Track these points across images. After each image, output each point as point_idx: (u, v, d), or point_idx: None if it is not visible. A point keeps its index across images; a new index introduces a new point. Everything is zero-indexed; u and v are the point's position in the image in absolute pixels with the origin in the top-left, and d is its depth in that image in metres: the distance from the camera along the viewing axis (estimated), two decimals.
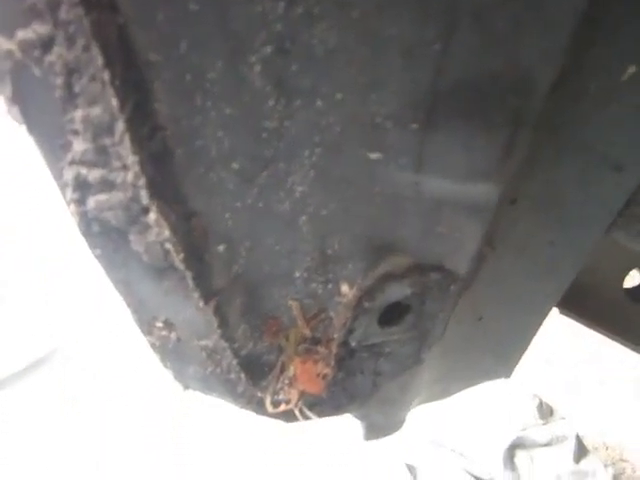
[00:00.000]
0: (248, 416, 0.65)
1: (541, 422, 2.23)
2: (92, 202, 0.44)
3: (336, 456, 2.43)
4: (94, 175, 0.42)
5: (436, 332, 0.63)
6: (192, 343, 0.56)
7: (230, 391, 0.60)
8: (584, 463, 2.09)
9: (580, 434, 2.18)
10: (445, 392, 0.82)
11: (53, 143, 0.41)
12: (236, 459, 2.64)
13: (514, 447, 2.19)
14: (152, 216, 0.43)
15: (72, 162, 0.42)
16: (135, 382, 2.99)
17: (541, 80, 0.43)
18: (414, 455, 2.22)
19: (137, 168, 0.40)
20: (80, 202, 0.44)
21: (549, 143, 0.53)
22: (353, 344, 0.60)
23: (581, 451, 2.11)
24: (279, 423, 0.66)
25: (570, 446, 2.12)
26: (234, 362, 0.57)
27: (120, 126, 0.39)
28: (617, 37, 0.46)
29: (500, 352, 0.79)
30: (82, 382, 3.03)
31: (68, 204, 0.45)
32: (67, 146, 0.41)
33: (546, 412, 2.27)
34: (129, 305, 0.54)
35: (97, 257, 0.49)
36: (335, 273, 0.55)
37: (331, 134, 0.44)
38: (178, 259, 0.46)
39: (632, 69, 0.48)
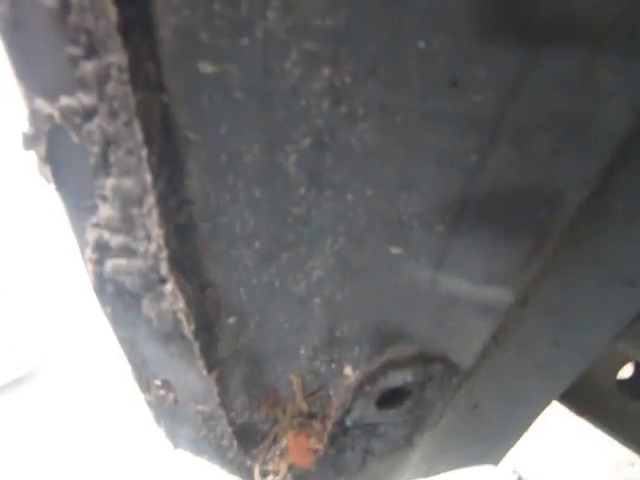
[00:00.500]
0: None
1: None
2: (110, 265, 0.43)
3: None
4: (116, 241, 0.42)
5: (432, 419, 0.63)
6: (189, 406, 0.55)
7: (220, 456, 0.59)
8: None
9: None
10: (430, 471, 0.80)
11: (80, 204, 0.41)
12: None
13: None
14: (169, 287, 0.43)
15: (96, 225, 0.41)
16: (126, 394, 2.91)
17: (571, 199, 0.43)
18: None
19: (161, 241, 0.40)
20: (98, 263, 0.44)
21: (568, 253, 0.52)
22: (348, 423, 0.59)
23: None
24: None
25: None
26: (229, 430, 0.56)
27: (150, 200, 0.38)
28: None
29: (491, 441, 0.78)
30: (70, 397, 2.95)
31: (86, 263, 0.45)
32: (93, 209, 0.41)
33: None
34: (131, 363, 0.54)
35: (106, 315, 0.49)
36: (340, 354, 0.54)
37: (356, 226, 0.44)
38: (188, 329, 0.45)
39: None
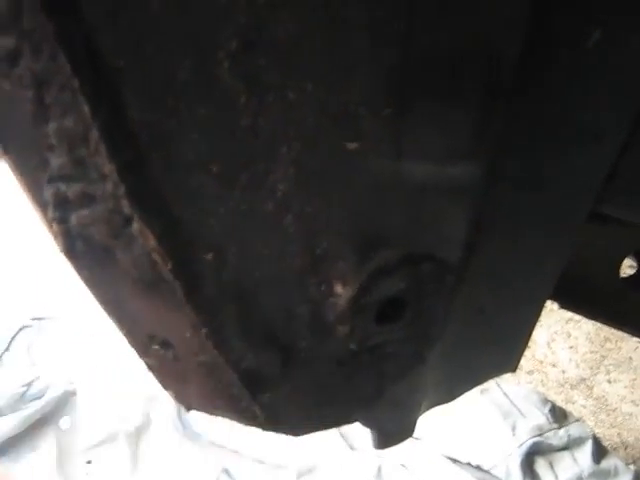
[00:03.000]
0: None
1: (556, 426, 2.21)
2: (74, 219, 0.44)
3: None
4: (74, 190, 0.42)
5: (436, 327, 0.63)
6: (190, 360, 0.55)
7: (233, 407, 0.60)
8: (605, 463, 2.07)
9: (597, 435, 2.16)
10: (452, 393, 0.81)
11: (30, 162, 0.42)
12: None
13: (532, 454, 2.16)
14: (136, 226, 0.43)
15: (51, 179, 0.42)
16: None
17: (507, 51, 0.44)
18: (429, 473, 2.19)
19: (115, 177, 0.41)
20: (62, 220, 0.44)
21: (525, 118, 0.53)
22: (353, 346, 0.60)
23: (600, 451, 2.09)
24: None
25: (588, 447, 2.10)
26: (234, 376, 0.56)
27: (94, 134, 0.39)
28: (576, 1, 0.48)
29: (505, 346, 0.79)
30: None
31: (50, 224, 0.45)
32: (44, 163, 0.41)
33: (560, 415, 2.25)
34: (122, 326, 0.54)
35: (85, 280, 0.49)
36: (327, 273, 0.55)
37: (306, 127, 0.45)
38: (166, 269, 0.46)
39: (597, 34, 0.49)
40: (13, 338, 3.17)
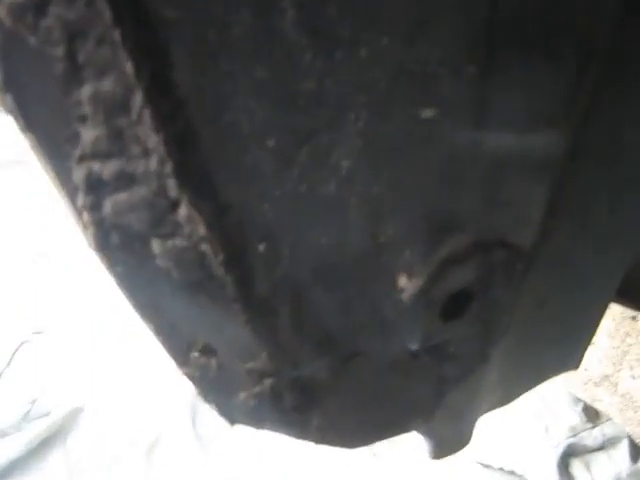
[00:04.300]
0: None
1: (590, 426, 2.14)
2: (109, 205, 0.37)
3: None
4: (110, 169, 0.36)
5: (502, 323, 0.57)
6: (236, 368, 0.49)
7: (284, 420, 0.53)
8: None
9: (629, 433, 2.09)
10: (508, 396, 0.74)
11: (57, 137, 0.35)
12: None
13: (567, 456, 2.09)
14: (183, 212, 0.37)
15: (82, 158, 0.35)
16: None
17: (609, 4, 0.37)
18: (461, 479, 2.12)
19: (162, 151, 0.34)
20: (95, 208, 0.37)
21: (613, 82, 0.47)
22: (414, 347, 0.53)
23: (636, 450, 2.03)
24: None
25: (624, 446, 2.03)
26: (287, 385, 0.50)
27: (137, 99, 0.32)
28: None
29: (566, 343, 0.73)
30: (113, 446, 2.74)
31: (80, 214, 0.38)
32: (74, 138, 0.35)
33: (592, 415, 2.18)
34: (160, 333, 0.47)
35: (119, 277, 0.42)
36: (391, 264, 0.48)
37: (378, 92, 0.38)
38: (217, 262, 0.39)
39: None
40: (14, 353, 3.08)
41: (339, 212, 0.44)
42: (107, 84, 0.32)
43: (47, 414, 2.72)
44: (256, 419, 0.54)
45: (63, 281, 3.44)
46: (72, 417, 2.75)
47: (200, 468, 2.52)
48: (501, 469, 2.06)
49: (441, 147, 0.42)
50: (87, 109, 0.33)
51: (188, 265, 0.40)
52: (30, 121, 0.35)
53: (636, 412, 2.00)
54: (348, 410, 0.56)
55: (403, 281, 0.49)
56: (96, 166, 0.35)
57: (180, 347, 0.48)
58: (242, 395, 0.51)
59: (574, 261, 0.62)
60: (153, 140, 0.34)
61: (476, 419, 0.70)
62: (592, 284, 0.66)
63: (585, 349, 0.74)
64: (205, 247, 0.38)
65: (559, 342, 0.71)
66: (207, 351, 0.48)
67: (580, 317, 0.69)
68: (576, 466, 2.01)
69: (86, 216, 0.38)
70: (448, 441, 0.69)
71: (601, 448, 2.05)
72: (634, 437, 2.04)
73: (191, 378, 0.50)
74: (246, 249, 0.42)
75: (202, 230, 0.37)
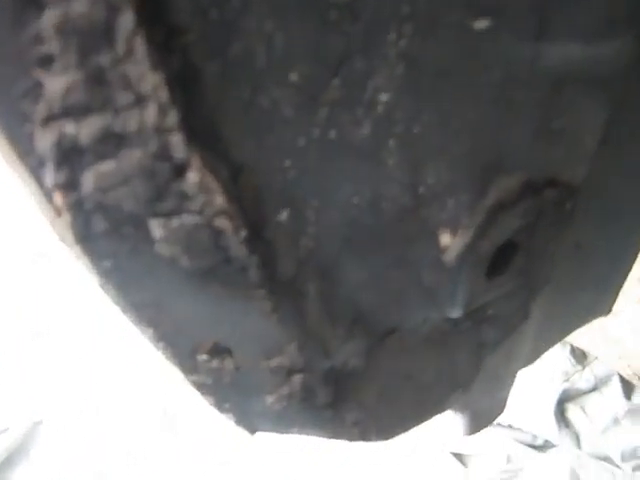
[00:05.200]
0: None
1: (579, 368, 2.13)
2: (90, 179, 0.28)
3: (377, 452, 2.22)
4: (89, 129, 0.26)
5: (545, 273, 0.50)
6: (259, 367, 0.40)
7: (316, 419, 0.45)
8: (635, 398, 2.01)
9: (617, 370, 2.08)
10: (537, 350, 0.68)
11: (9, 93, 0.25)
12: None
13: (562, 402, 2.05)
14: (192, 178, 0.28)
15: (48, 118, 0.26)
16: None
17: None
18: (458, 441, 2.08)
19: (162, 95, 0.25)
20: (70, 185, 0.28)
21: None
22: (456, 314, 0.46)
23: (628, 386, 2.03)
24: None
25: (616, 384, 2.03)
26: (319, 378, 0.42)
27: (126, 23, 0.23)
28: None
29: (600, 285, 0.66)
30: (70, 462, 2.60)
31: (49, 197, 0.29)
32: (34, 91, 0.25)
33: (580, 356, 2.17)
34: (161, 338, 0.38)
35: (106, 274, 0.33)
36: (431, 220, 0.40)
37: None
38: (237, 240, 0.30)
39: None
40: None
41: (374, 161, 0.35)
42: (79, 5, 0.22)
43: (5, 430, 2.57)
44: (283, 424, 0.45)
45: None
46: (32, 431, 2.61)
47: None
48: (499, 424, 2.03)
49: (495, 67, 0.34)
50: (52, 46, 0.23)
51: (199, 248, 0.31)
52: None
53: (617, 344, 1.99)
54: (385, 397, 0.48)
55: (446, 238, 0.41)
56: (69, 127, 0.26)
57: (187, 351, 0.39)
58: (267, 398, 0.42)
59: (607, 197, 0.55)
60: (149, 81, 0.24)
61: (511, 383, 0.64)
62: (625, 221, 0.59)
63: (617, 294, 0.68)
64: (222, 222, 0.29)
65: (592, 287, 0.65)
66: (219, 352, 0.39)
67: (614, 259, 0.63)
68: (572, 411, 2.00)
69: (59, 198, 0.28)
70: (484, 412, 0.62)
71: (594, 389, 2.05)
72: (622, 373, 2.04)
73: (202, 387, 0.41)
74: (266, 220, 0.33)
75: (219, 200, 0.28)
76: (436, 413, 0.54)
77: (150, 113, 0.25)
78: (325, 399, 0.43)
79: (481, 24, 0.32)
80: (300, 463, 2.25)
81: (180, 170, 0.27)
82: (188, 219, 0.29)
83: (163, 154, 0.27)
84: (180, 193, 0.28)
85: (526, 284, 0.49)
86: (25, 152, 0.27)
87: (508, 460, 1.99)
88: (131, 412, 2.63)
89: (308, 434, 0.47)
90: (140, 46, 0.23)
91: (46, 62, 0.24)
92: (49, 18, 0.23)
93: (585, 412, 2.00)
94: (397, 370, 0.48)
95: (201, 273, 0.33)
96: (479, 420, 0.62)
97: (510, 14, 0.32)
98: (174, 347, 0.39)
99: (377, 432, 0.50)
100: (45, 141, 0.26)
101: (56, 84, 0.24)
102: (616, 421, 1.96)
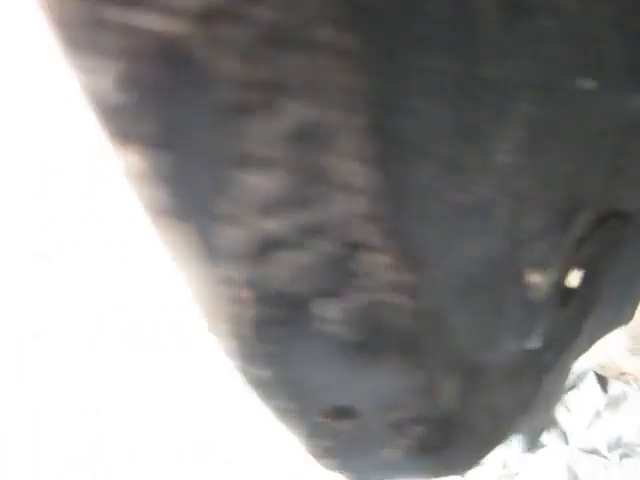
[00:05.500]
0: None
1: None
2: (279, 271, 0.28)
3: None
4: (291, 223, 0.27)
5: (602, 294, 0.53)
6: (377, 424, 0.41)
7: (422, 464, 0.46)
8: (611, 390, 2.10)
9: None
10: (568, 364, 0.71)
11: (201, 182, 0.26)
12: None
13: None
14: (371, 256, 0.29)
15: (260, 212, 0.26)
16: None
17: None
18: None
19: (370, 183, 0.26)
20: (261, 278, 0.28)
21: None
22: (537, 345, 0.48)
23: (603, 381, 2.12)
24: None
25: (592, 380, 2.12)
26: (431, 427, 0.43)
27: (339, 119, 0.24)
28: None
29: (625, 295, 0.70)
30: None
31: (236, 291, 0.29)
32: (224, 183, 0.26)
33: None
34: (288, 409, 0.39)
35: (267, 359, 0.33)
36: (521, 262, 0.42)
37: (551, 58, 0.32)
38: (407, 312, 0.32)
39: None
40: None
41: (488, 216, 0.37)
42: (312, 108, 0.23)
43: None
44: (392, 473, 0.46)
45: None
46: None
47: None
48: None
49: (594, 120, 0.37)
50: (274, 149, 0.24)
51: (366, 324, 0.32)
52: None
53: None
54: (469, 432, 0.50)
55: (536, 278, 0.43)
56: (272, 224, 0.26)
57: (311, 418, 0.40)
58: (384, 452, 0.43)
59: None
60: (356, 172, 0.26)
61: (559, 398, 0.67)
62: None
63: (638, 301, 0.73)
64: (397, 297, 0.31)
65: (618, 297, 0.69)
66: (342, 414, 0.40)
67: (638, 270, 0.67)
68: (557, 410, 2.07)
69: (247, 292, 0.29)
70: (541, 426, 0.65)
71: (574, 386, 2.12)
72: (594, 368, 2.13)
73: (325, 451, 0.42)
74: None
75: (400, 276, 0.30)
76: (505, 439, 0.56)
77: (356, 203, 0.26)
78: (432, 445, 0.44)
79: (590, 83, 0.35)
80: (300, 463, 2.23)
81: (355, 249, 0.28)
82: (361, 297, 0.31)
83: (347, 239, 0.28)
84: (355, 272, 0.29)
85: (584, 307, 0.52)
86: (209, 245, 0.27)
87: (504, 465, 2.04)
88: (131, 412, 2.54)
89: (407, 477, 0.48)
90: (351, 138, 0.25)
91: (262, 164, 0.25)
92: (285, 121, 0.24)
93: (570, 410, 2.07)
94: (479, 404, 0.50)
95: (352, 343, 0.34)
96: (534, 437, 0.65)
97: (612, 71, 0.35)
98: (299, 416, 0.39)
99: (462, 466, 0.51)
100: (245, 237, 0.27)
101: (268, 184, 0.25)
102: (598, 414, 2.04)
